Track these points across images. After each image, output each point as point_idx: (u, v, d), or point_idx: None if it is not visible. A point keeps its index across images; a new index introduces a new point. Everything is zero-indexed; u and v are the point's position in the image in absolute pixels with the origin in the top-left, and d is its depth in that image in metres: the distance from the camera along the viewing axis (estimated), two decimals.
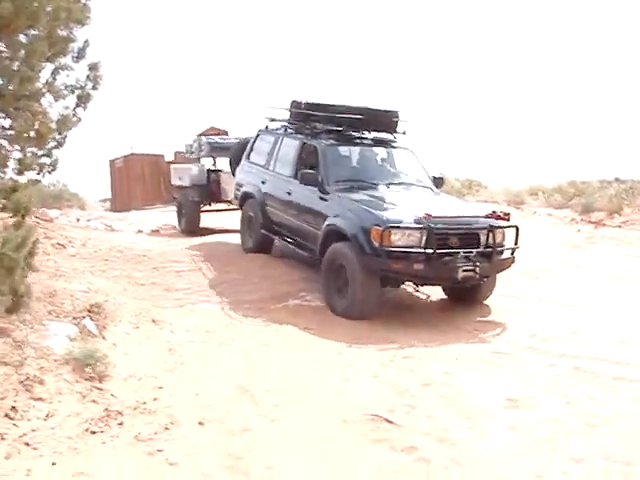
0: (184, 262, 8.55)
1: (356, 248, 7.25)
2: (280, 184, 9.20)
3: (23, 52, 5.37)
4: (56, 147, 5.86)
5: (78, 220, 13.72)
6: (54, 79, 5.81)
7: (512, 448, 4.24)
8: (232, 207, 13.70)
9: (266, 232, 9.54)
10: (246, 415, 4.57)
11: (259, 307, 7.54)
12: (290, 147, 9.34)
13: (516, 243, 7.60)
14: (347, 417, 4.60)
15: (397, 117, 9.31)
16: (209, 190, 13.85)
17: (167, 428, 4.22)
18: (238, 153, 11.03)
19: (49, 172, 5.82)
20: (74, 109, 5.93)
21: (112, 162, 21.13)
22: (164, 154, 20.80)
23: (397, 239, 7.03)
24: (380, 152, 9.18)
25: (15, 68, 5.30)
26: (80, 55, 5.85)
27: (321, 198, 8.15)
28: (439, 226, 7.06)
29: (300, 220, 8.60)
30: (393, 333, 6.81)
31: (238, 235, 10.66)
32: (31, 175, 5.56)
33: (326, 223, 7.80)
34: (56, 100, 5.85)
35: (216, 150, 14.02)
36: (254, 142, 10.42)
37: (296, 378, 5.34)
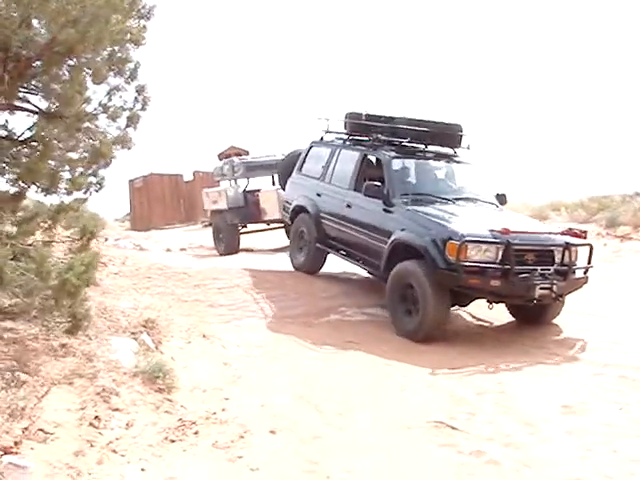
0: (223, 279, 8.69)
1: (428, 263, 6.99)
2: (338, 197, 8.90)
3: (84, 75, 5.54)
4: (104, 166, 6.03)
5: (106, 239, 13.88)
6: (110, 100, 5.98)
7: (574, 451, 4.35)
8: (272, 227, 13.99)
9: (322, 247, 9.19)
10: (313, 424, 4.70)
11: (302, 322, 7.69)
12: (349, 159, 9.05)
13: (589, 262, 7.38)
14: (411, 424, 4.74)
15: (461, 131, 9.07)
16: (248, 211, 13.53)
17: (242, 437, 4.36)
18: (288, 166, 10.71)
19: (96, 191, 5.99)
20: (125, 129, 6.10)
21: (131, 182, 21.38)
22: (183, 174, 21.03)
23: (473, 254, 6.78)
24: (444, 166, 8.87)
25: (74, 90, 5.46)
26: (132, 76, 6.02)
27: (386, 211, 7.89)
28: (517, 241, 6.85)
29: (361, 234, 8.30)
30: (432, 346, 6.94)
31: (271, 253, 10.75)
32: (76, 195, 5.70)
33: (393, 237, 7.54)
34: (113, 121, 6.01)
35: (251, 170, 13.79)
36: (307, 154, 10.08)
37: (354, 389, 5.48)
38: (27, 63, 5.31)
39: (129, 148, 5.80)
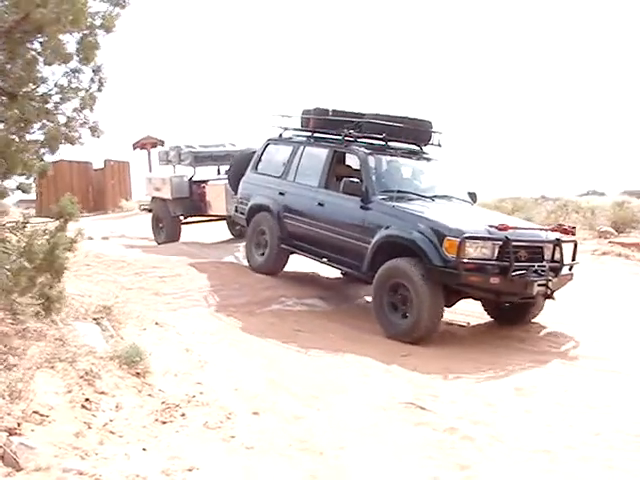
0: (163, 268, 8.67)
1: (424, 261, 6.83)
2: (307, 195, 8.63)
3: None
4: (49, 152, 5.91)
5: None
6: (69, 82, 5.85)
7: (536, 426, 4.71)
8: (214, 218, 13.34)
9: (286, 247, 8.93)
10: (292, 406, 4.86)
11: (246, 311, 7.81)
12: (316, 156, 8.82)
13: (574, 259, 7.40)
14: (384, 405, 4.98)
15: (431, 127, 8.86)
16: (192, 203, 12.89)
17: (228, 418, 4.45)
18: (240, 164, 10.38)
19: (40, 177, 5.89)
20: (81, 111, 5.98)
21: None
22: (92, 162, 20.47)
23: (471, 251, 6.65)
24: (418, 163, 8.76)
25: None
26: (89, 57, 5.91)
27: (364, 209, 7.70)
28: (514, 237, 6.79)
29: (336, 233, 8.04)
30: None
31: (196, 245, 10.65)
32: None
33: (379, 235, 7.34)
34: (67, 102, 5.87)
35: (199, 160, 13.10)
36: (262, 152, 9.82)
37: (318, 374, 5.68)
38: None
39: (95, 133, 5.70)
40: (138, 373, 4.89)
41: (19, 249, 4.51)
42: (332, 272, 9.65)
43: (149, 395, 4.63)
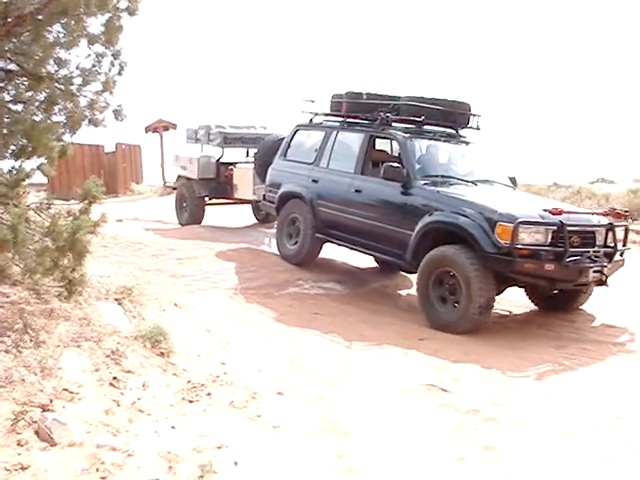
0: (180, 251, 8.71)
1: (476, 248, 6.53)
2: (343, 182, 8.30)
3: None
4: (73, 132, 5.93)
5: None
6: (94, 66, 5.87)
7: (559, 410, 4.74)
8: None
9: (321, 236, 8.63)
10: (314, 386, 4.90)
11: (264, 293, 7.84)
12: (351, 141, 8.52)
13: (625, 244, 7.12)
14: (406, 387, 5.01)
15: (470, 110, 8.49)
16: (218, 185, 12.52)
17: (253, 397, 4.48)
18: (268, 152, 10.06)
19: (60, 158, 5.91)
20: (101, 94, 5.99)
21: None
22: (104, 145, 20.46)
23: (525, 237, 6.37)
24: (457, 147, 8.45)
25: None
26: (111, 41, 5.92)
27: (405, 194, 7.40)
28: (569, 222, 6.53)
29: (376, 221, 7.76)
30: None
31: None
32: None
33: (424, 222, 7.02)
34: (87, 84, 5.87)
35: (229, 141, 12.56)
36: (291, 139, 9.49)
37: (338, 355, 5.71)
38: (17, 22, 5.20)
39: (118, 116, 5.71)
40: (162, 353, 4.93)
41: (43, 229, 4.54)
42: (353, 258, 9.68)
43: (174, 374, 4.67)
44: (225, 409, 4.27)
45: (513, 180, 8.46)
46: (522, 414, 4.62)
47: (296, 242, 8.94)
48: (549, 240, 6.46)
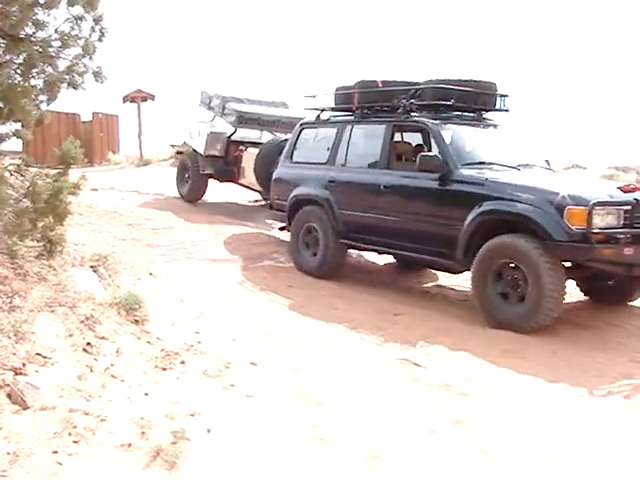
0: (155, 220, 8.68)
1: (544, 236, 5.88)
2: (365, 180, 7.61)
3: None
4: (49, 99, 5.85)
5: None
6: (72, 29, 5.77)
7: (527, 385, 4.80)
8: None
9: (346, 241, 7.85)
10: (288, 357, 4.92)
11: (239, 265, 7.86)
12: (370, 135, 7.83)
13: None
14: (379, 361, 5.05)
15: (497, 90, 7.75)
16: (225, 166, 11.46)
17: (227, 367, 4.49)
18: (268, 157, 9.37)
19: (36, 125, 5.82)
20: (81, 58, 5.89)
21: None
22: (81, 113, 20.18)
23: (598, 221, 5.76)
24: (487, 131, 7.79)
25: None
26: (92, 5, 5.82)
27: (444, 185, 6.68)
28: None
29: (411, 219, 7.03)
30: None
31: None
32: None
33: (475, 213, 6.29)
34: (66, 48, 5.78)
35: (244, 121, 11.41)
36: (296, 139, 8.75)
37: (311, 328, 5.75)
38: None
39: (98, 78, 5.63)
40: (137, 320, 4.91)
41: (22, 190, 4.49)
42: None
43: (148, 342, 4.66)
44: (199, 377, 4.28)
45: (548, 163, 7.82)
46: (492, 389, 4.67)
47: (316, 252, 8.10)
48: (622, 221, 5.85)
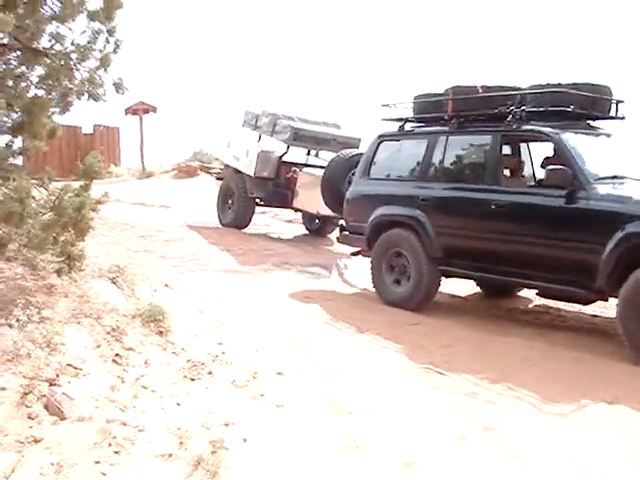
0: (167, 232, 8.69)
1: None
2: (470, 198, 6.68)
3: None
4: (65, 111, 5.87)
5: None
6: (89, 42, 5.80)
7: (552, 393, 4.79)
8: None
9: (445, 268, 6.93)
10: (313, 367, 4.93)
11: (251, 276, 7.86)
12: (473, 147, 6.92)
13: None
14: (403, 369, 5.07)
15: (612, 95, 6.83)
16: (275, 189, 10.46)
17: (254, 377, 4.51)
18: (338, 173, 8.46)
19: (49, 137, 5.84)
20: (96, 72, 5.92)
21: None
22: (81, 126, 20.17)
23: None
24: (604, 140, 6.84)
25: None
26: (108, 17, 5.85)
27: (574, 203, 5.83)
28: None
29: (534, 243, 6.13)
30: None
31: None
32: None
33: (625, 235, 5.41)
34: (82, 61, 5.81)
35: (300, 138, 10.43)
36: (374, 153, 7.73)
37: (333, 338, 5.76)
38: None
39: (119, 89, 5.65)
40: (161, 332, 4.91)
41: (47, 204, 4.50)
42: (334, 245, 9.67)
43: (174, 353, 4.66)
44: (227, 388, 4.29)
45: None
46: (519, 395, 4.69)
47: (398, 280, 7.30)
48: None
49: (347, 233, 7.93)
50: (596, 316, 7.01)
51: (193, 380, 4.31)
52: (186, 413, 3.78)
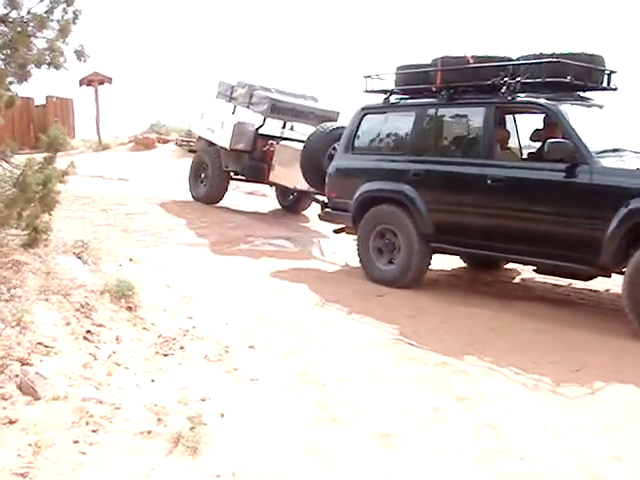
0: (128, 205, 8.55)
1: None
2: (465, 172, 6.41)
3: None
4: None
5: None
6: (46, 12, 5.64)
7: (524, 362, 4.85)
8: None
9: (438, 245, 6.68)
10: (284, 340, 4.94)
11: (216, 249, 7.81)
12: (465, 119, 6.70)
13: None
14: (373, 341, 5.10)
15: (604, 65, 6.57)
16: (252, 162, 9.93)
17: (227, 351, 4.49)
18: (319, 147, 8.10)
19: (6, 108, 5.69)
20: (55, 42, 5.76)
21: None
22: (34, 97, 19.61)
23: None
24: (597, 112, 6.63)
25: None
26: None
27: (575, 177, 5.66)
28: None
29: (533, 218, 5.94)
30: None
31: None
32: None
33: (629, 210, 5.27)
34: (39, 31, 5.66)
35: (277, 110, 9.95)
36: (357, 126, 7.39)
37: (303, 310, 5.77)
38: None
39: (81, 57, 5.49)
40: (130, 307, 4.85)
41: (11, 180, 4.38)
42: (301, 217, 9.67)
43: (144, 328, 4.62)
44: (200, 362, 4.27)
45: None
46: (490, 365, 4.76)
47: (392, 260, 7.01)
48: None
49: (330, 210, 7.61)
50: (559, 286, 7.13)
51: (166, 355, 4.27)
52: (161, 389, 3.76)
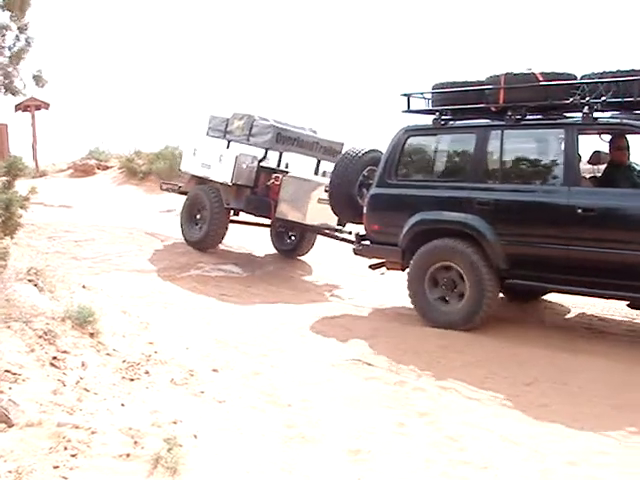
0: (76, 232, 8.47)
1: None
2: (547, 201, 5.83)
3: None
4: None
5: None
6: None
7: (475, 379, 5.07)
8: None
9: (514, 281, 5.99)
10: (246, 363, 5.02)
11: (167, 275, 7.83)
12: (539, 142, 6.21)
13: None
14: (333, 362, 5.24)
15: None
16: (258, 197, 8.92)
17: (192, 375, 4.55)
18: (349, 174, 7.29)
19: None
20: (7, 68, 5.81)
21: None
22: (7, 123, 19.00)
23: None
24: None
25: None
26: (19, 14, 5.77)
27: None
28: None
29: (630, 250, 5.35)
30: None
31: None
32: None
33: None
34: None
35: (282, 141, 9.11)
36: (401, 151, 6.65)
37: (260, 333, 5.85)
38: None
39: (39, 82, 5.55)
40: (92, 334, 4.86)
41: None
42: (249, 243, 9.78)
43: (107, 354, 4.63)
44: (167, 386, 4.32)
45: None
46: (443, 383, 4.93)
47: (453, 299, 6.29)
48: None
49: (368, 243, 6.87)
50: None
51: (132, 380, 4.30)
52: (133, 413, 3.78)
